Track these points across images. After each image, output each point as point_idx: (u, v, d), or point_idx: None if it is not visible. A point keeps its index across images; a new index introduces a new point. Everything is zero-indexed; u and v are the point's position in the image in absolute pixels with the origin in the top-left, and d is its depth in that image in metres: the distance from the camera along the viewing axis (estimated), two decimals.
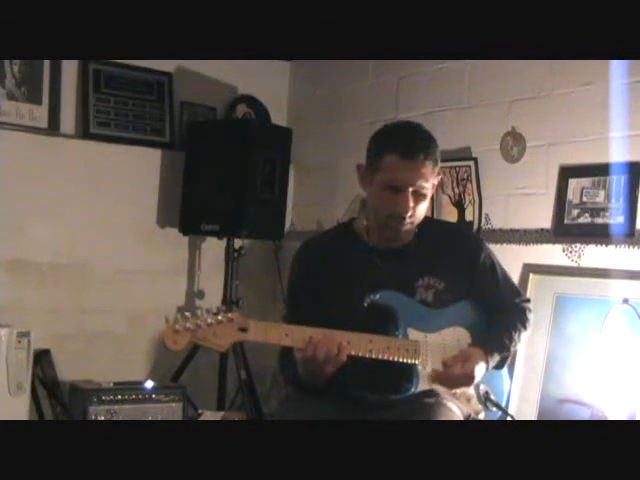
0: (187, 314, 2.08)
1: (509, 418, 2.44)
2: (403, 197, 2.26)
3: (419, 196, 2.28)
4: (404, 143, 2.26)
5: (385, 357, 2.22)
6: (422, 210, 2.33)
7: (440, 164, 2.34)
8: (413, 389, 2.27)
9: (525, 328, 2.45)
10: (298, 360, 2.23)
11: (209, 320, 2.10)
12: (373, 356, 2.20)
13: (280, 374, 2.55)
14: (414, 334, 2.29)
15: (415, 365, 2.26)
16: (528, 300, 2.57)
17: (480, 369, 2.26)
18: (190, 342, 2.10)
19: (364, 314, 2.28)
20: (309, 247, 2.51)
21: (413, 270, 2.35)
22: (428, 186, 2.29)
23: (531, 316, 2.50)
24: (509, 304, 2.47)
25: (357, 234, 2.42)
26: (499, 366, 2.38)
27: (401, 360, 2.24)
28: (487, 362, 2.28)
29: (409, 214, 2.28)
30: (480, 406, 2.34)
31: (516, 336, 2.40)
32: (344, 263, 2.38)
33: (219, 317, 2.11)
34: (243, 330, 2.13)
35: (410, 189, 2.26)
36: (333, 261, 2.38)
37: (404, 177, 2.26)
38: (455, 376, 2.25)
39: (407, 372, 2.28)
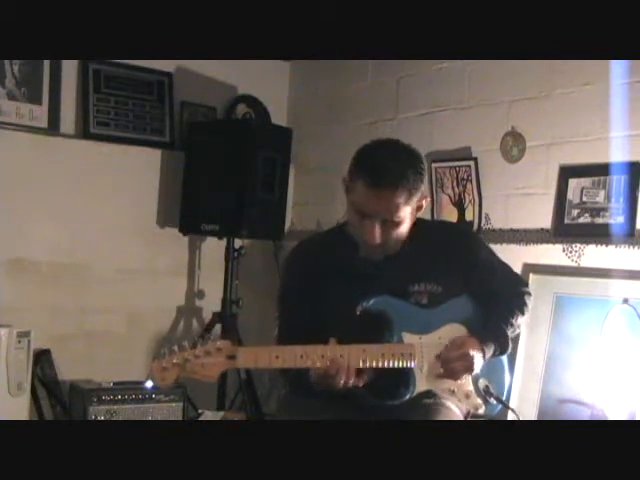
0: (175, 348, 2.08)
1: (510, 412, 2.43)
2: (371, 225, 2.20)
3: (392, 223, 2.21)
4: (374, 171, 2.16)
5: (380, 365, 2.20)
6: (398, 234, 2.25)
7: (425, 183, 2.26)
8: (411, 393, 2.25)
9: (522, 313, 2.40)
10: (312, 376, 2.20)
11: (197, 352, 2.08)
12: (367, 365, 2.18)
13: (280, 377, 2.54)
14: (409, 338, 2.27)
15: (412, 368, 2.25)
16: (526, 284, 2.52)
17: (477, 354, 2.22)
18: (179, 377, 2.10)
19: (358, 321, 2.26)
20: (302, 250, 2.47)
21: (407, 275, 2.31)
22: (402, 214, 2.20)
23: (530, 300, 2.45)
24: (506, 292, 2.42)
25: (351, 237, 2.33)
26: (499, 353, 2.33)
27: (397, 365, 2.22)
28: (483, 350, 2.24)
29: (377, 242, 2.22)
30: (479, 401, 2.32)
31: (513, 321, 2.35)
32: (336, 267, 2.33)
33: (207, 348, 2.09)
34: (232, 358, 2.12)
35: (379, 218, 2.19)
36: (325, 265, 2.34)
37: (372, 206, 2.18)
38: (453, 359, 2.22)
39: (404, 376, 2.26)
